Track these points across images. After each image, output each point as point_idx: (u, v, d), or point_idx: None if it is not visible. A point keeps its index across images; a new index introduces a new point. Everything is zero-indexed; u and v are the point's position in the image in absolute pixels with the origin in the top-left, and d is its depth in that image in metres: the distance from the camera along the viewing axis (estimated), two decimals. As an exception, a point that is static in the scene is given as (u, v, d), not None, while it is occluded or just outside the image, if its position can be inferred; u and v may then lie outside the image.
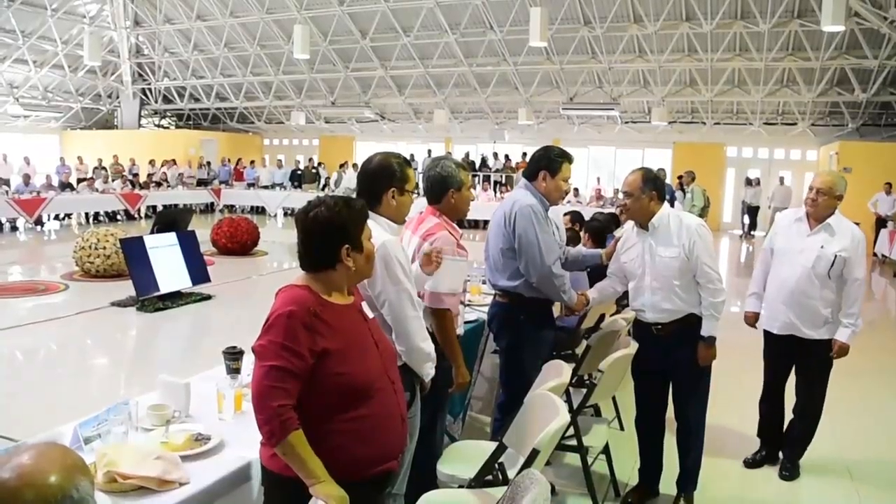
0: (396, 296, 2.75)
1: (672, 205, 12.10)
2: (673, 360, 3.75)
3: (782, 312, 4.22)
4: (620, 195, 3.93)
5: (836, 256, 4.04)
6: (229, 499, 2.36)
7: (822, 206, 4.11)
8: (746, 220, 19.95)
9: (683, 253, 3.61)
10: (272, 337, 2.14)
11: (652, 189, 3.67)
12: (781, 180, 19.72)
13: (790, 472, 4.41)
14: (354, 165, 23.04)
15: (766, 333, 4.40)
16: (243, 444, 2.49)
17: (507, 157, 23.18)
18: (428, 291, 3.22)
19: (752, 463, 4.54)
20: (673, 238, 3.65)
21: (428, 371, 2.87)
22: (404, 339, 2.76)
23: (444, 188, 3.44)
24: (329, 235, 2.27)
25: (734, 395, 5.41)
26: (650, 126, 21.36)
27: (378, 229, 2.73)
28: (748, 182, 20.15)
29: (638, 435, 4.09)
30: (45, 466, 1.21)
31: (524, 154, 22.48)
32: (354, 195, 2.82)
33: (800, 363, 4.34)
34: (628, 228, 3.99)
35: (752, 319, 4.57)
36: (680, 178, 15.82)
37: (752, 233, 19.74)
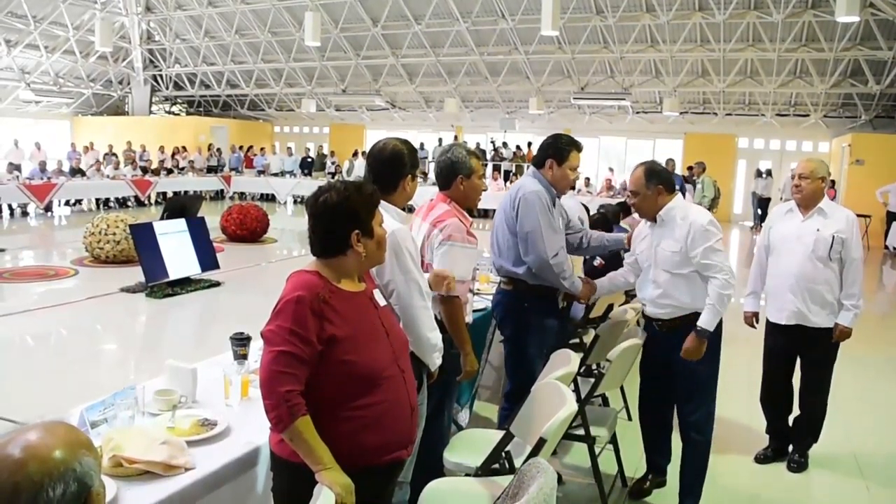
0: (405, 285, 2.75)
1: (683, 195, 12.09)
2: (676, 359, 3.62)
3: (790, 301, 4.16)
4: (629, 194, 3.84)
5: (833, 237, 4.05)
6: (235, 484, 2.36)
7: (807, 191, 4.14)
8: (758, 211, 19.85)
9: (685, 247, 3.50)
10: (281, 322, 2.13)
11: (657, 183, 3.60)
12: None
13: (799, 464, 4.38)
14: (363, 153, 23.05)
15: (772, 326, 4.34)
16: (249, 430, 2.49)
17: (517, 146, 23.13)
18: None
19: (762, 459, 4.49)
20: (676, 231, 3.55)
21: (434, 361, 2.87)
22: (412, 329, 2.75)
23: (453, 174, 3.42)
24: (339, 221, 2.25)
25: (742, 388, 5.39)
26: (661, 116, 21.24)
27: (387, 217, 2.72)
28: (758, 174, 20.04)
29: (642, 429, 4.06)
30: (50, 442, 1.25)
31: (529, 144, 22.49)
32: None
33: (805, 355, 4.30)
34: (643, 220, 3.90)
35: (751, 319, 4.52)
36: (690, 168, 15.76)
37: (762, 224, 19.60)
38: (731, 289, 3.47)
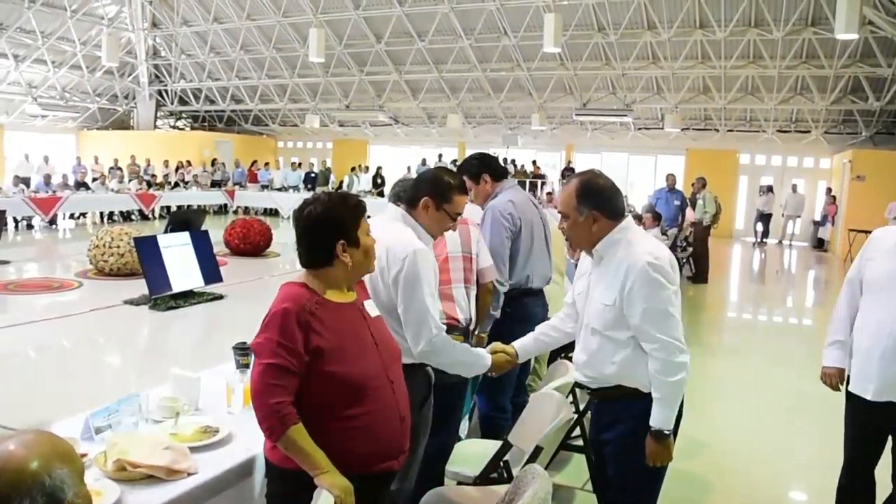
0: (420, 301, 2.71)
1: (684, 213, 12.08)
2: (606, 441, 2.67)
3: (876, 371, 2.99)
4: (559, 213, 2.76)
5: None
6: (236, 489, 2.40)
7: None
8: (759, 227, 19.97)
9: (619, 300, 2.50)
10: (269, 335, 2.17)
11: (592, 207, 2.56)
12: (794, 188, 19.71)
13: None
14: (366, 168, 23.19)
15: (857, 400, 3.11)
16: (250, 437, 2.53)
17: (533, 162, 23.64)
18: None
19: None
20: (612, 276, 2.54)
21: (463, 372, 2.95)
22: (431, 359, 2.78)
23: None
24: (324, 232, 2.29)
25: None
26: (663, 133, 21.35)
27: (412, 235, 2.79)
28: (769, 189, 20.09)
29: None
30: (22, 454, 1.23)
31: (534, 162, 23.02)
32: (364, 197, 2.86)
33: None
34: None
35: (833, 378, 3.23)
36: (693, 185, 15.80)
37: (764, 240, 19.76)
38: (681, 371, 2.46)
